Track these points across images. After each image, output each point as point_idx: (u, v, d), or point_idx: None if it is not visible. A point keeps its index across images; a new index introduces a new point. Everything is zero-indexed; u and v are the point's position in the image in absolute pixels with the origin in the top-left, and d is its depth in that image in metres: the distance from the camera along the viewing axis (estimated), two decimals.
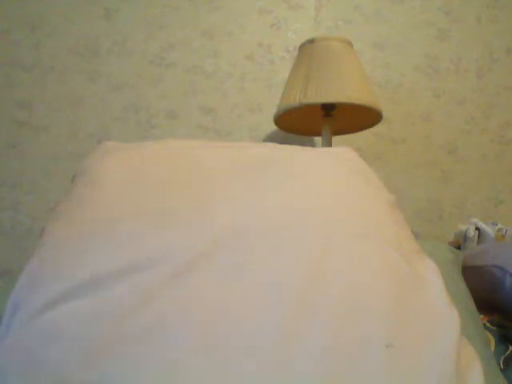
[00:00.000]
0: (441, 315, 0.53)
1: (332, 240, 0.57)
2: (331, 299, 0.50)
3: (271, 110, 1.63)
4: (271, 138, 1.63)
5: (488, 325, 0.85)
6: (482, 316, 0.88)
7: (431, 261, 0.62)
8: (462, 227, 1.23)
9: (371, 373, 0.44)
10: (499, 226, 1.20)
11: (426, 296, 0.54)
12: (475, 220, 1.22)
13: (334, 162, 0.70)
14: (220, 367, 0.44)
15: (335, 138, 1.63)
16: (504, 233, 1.18)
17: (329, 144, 1.34)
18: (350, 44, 1.32)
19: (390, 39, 1.70)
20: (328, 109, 1.34)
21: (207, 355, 0.44)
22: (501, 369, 0.75)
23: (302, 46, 1.33)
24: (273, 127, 1.63)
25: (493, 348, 0.79)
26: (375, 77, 1.68)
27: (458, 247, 1.24)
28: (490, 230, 1.18)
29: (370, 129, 1.66)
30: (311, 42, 1.31)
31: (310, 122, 1.49)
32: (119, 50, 1.61)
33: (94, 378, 0.43)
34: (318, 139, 1.66)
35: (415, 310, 0.52)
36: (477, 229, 1.20)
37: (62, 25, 1.59)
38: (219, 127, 1.61)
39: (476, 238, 1.19)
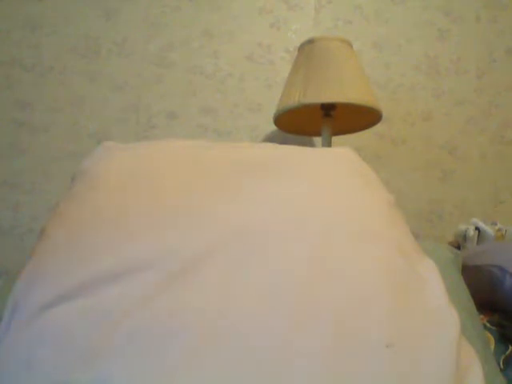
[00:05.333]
0: (441, 315, 0.53)
1: (332, 240, 0.57)
2: (331, 299, 0.50)
3: (271, 110, 1.63)
4: (271, 138, 1.63)
5: (488, 325, 0.85)
6: (481, 316, 0.88)
7: (431, 261, 0.62)
8: (462, 227, 1.23)
9: (371, 373, 0.44)
10: (499, 225, 1.20)
11: (425, 296, 0.54)
12: (475, 220, 1.22)
13: (333, 162, 0.70)
14: (220, 368, 0.44)
15: (335, 138, 1.63)
16: (504, 233, 1.18)
17: (329, 144, 1.34)
18: (349, 44, 1.32)
19: (389, 39, 1.70)
20: (328, 109, 1.34)
21: (206, 355, 0.44)
22: (501, 369, 0.75)
23: (302, 46, 1.33)
24: (273, 127, 1.63)
25: (493, 348, 0.79)
26: (375, 77, 1.68)
27: (458, 247, 1.24)
28: (490, 229, 1.18)
29: (370, 129, 1.66)
30: (311, 42, 1.31)
31: (309, 122, 1.49)
32: (119, 50, 1.61)
33: (91, 378, 0.43)
34: (317, 139, 1.66)
35: (415, 310, 0.52)
36: (477, 229, 1.20)
37: (62, 25, 1.59)
38: (219, 127, 1.61)
39: (476, 238, 1.19)
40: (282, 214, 0.59)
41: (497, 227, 1.19)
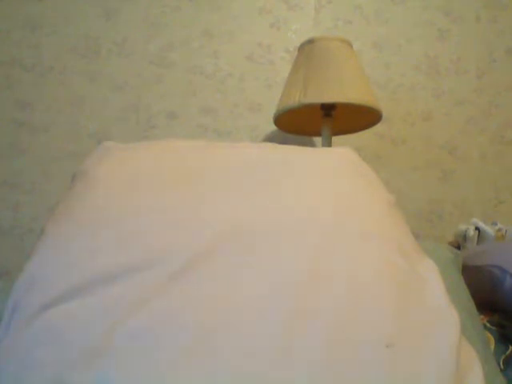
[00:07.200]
0: (441, 315, 0.53)
1: (332, 240, 0.57)
2: (331, 299, 0.50)
3: (271, 110, 1.63)
4: (271, 138, 1.63)
5: (488, 325, 0.85)
6: (481, 316, 0.88)
7: (431, 261, 0.62)
8: (462, 227, 1.23)
9: (371, 373, 0.44)
10: (499, 225, 1.20)
11: (425, 296, 0.54)
12: (475, 220, 1.22)
13: (333, 162, 0.70)
14: (219, 368, 0.44)
15: (335, 138, 1.63)
16: (504, 233, 1.18)
17: (329, 144, 1.34)
18: (349, 44, 1.32)
19: (389, 39, 1.69)
20: (328, 109, 1.34)
21: (206, 355, 0.44)
22: (501, 369, 0.75)
23: (302, 46, 1.33)
24: (273, 127, 1.63)
25: (493, 348, 0.79)
26: (375, 77, 1.68)
27: (458, 247, 1.24)
28: (490, 229, 1.18)
29: (370, 129, 1.66)
30: (311, 42, 1.30)
31: (309, 122, 1.49)
32: (119, 50, 1.60)
33: (91, 378, 0.43)
34: (317, 139, 1.66)
35: (415, 310, 0.52)
36: (477, 229, 1.20)
37: (62, 25, 1.59)
38: (219, 127, 1.61)
39: (476, 238, 1.19)
40: (283, 213, 0.59)
41: (497, 227, 1.19)
